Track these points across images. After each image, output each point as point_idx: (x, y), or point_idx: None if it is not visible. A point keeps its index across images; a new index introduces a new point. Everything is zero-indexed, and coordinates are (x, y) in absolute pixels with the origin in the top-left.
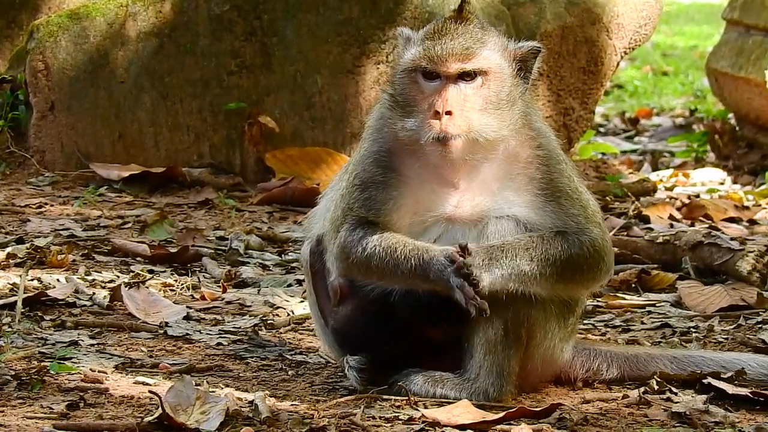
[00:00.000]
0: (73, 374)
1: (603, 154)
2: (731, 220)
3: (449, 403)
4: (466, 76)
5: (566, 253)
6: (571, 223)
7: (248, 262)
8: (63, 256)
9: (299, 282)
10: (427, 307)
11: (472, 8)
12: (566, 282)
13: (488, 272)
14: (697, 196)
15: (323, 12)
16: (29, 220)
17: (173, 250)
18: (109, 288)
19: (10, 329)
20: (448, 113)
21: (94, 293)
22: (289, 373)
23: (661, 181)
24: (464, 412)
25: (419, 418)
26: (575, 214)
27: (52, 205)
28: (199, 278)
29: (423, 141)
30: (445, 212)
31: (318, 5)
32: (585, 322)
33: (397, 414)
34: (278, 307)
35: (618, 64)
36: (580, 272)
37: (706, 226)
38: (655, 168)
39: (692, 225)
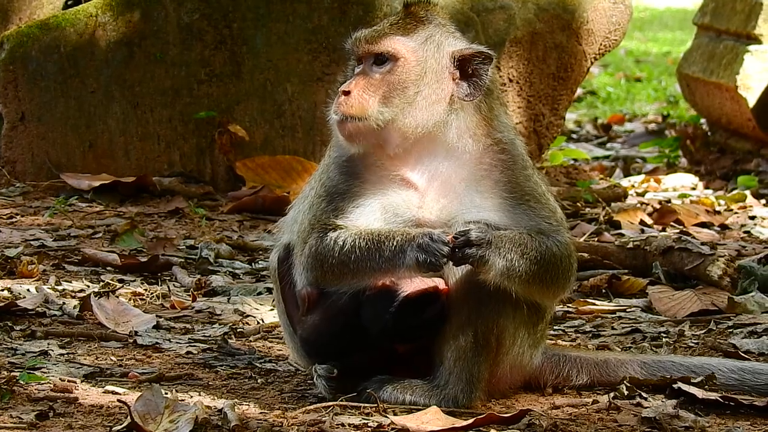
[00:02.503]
0: (42, 384)
1: (575, 160)
2: (703, 225)
3: (419, 409)
4: (378, 60)
5: (549, 252)
6: (545, 225)
7: (218, 271)
8: (33, 266)
9: (269, 290)
10: (395, 324)
11: (431, 9)
12: (544, 283)
13: (495, 252)
14: (669, 201)
15: (292, 20)
16: (0, 231)
17: (143, 260)
18: (79, 298)
19: None
20: (346, 93)
21: (64, 303)
22: (259, 381)
23: (632, 186)
24: (434, 418)
25: (388, 425)
26: (546, 216)
27: (22, 216)
28: (169, 287)
29: (329, 122)
30: (413, 215)
31: (287, 14)
32: (555, 327)
33: (366, 421)
34: (248, 316)
35: (588, 70)
36: (556, 274)
37: (677, 231)
38: (627, 174)
39: (663, 230)
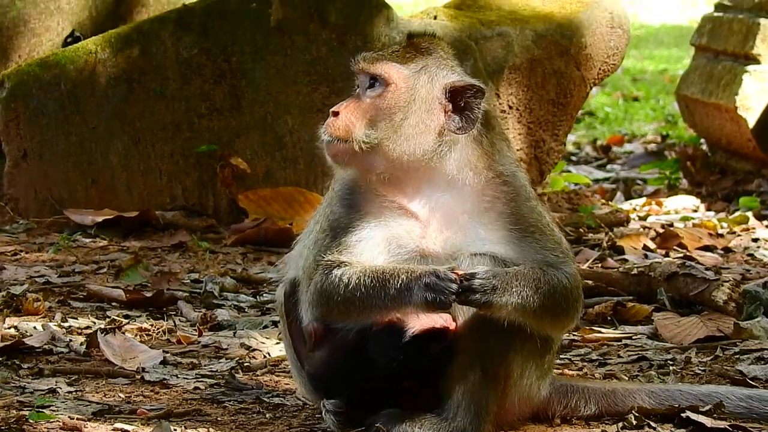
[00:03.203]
0: (51, 422)
1: (575, 184)
2: (706, 248)
3: None
4: (371, 84)
5: (559, 286)
6: (552, 257)
7: (223, 305)
8: (39, 303)
9: (275, 323)
10: (403, 361)
11: (434, 42)
12: (554, 317)
13: (501, 297)
14: (671, 225)
15: (291, 53)
16: (4, 268)
17: (148, 295)
18: (85, 334)
19: None
20: (335, 114)
21: (70, 340)
22: (267, 416)
23: (634, 209)
24: None
25: None
26: (552, 247)
27: (27, 253)
28: (174, 322)
29: (319, 143)
30: (416, 245)
31: (285, 46)
32: (562, 356)
33: None
34: (254, 350)
35: (587, 95)
36: (567, 306)
37: (681, 255)
38: (628, 196)
39: (667, 255)
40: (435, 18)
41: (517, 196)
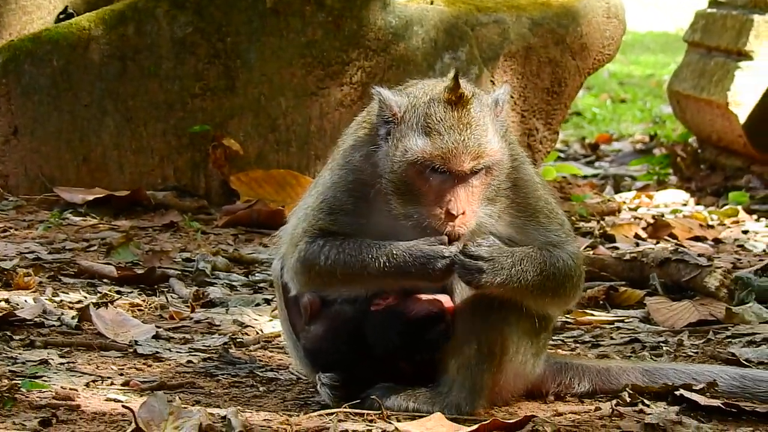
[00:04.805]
0: (44, 392)
1: (564, 176)
2: (696, 239)
3: (422, 416)
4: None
5: (555, 265)
6: (554, 237)
7: (215, 283)
8: (30, 277)
9: (267, 301)
10: (400, 344)
11: (465, 83)
12: (548, 294)
13: (500, 268)
14: (662, 216)
15: (286, 35)
16: None
17: (140, 272)
18: (77, 309)
19: None
20: (462, 213)
21: (62, 313)
22: (261, 389)
23: (624, 202)
24: (437, 425)
25: None
26: (555, 229)
27: (16, 229)
28: (167, 298)
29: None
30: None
31: (281, 28)
32: (554, 338)
33: (370, 428)
34: (247, 326)
35: (581, 85)
36: (563, 285)
37: (672, 244)
38: (617, 191)
39: (657, 243)
40: (431, 3)
41: (527, 188)
